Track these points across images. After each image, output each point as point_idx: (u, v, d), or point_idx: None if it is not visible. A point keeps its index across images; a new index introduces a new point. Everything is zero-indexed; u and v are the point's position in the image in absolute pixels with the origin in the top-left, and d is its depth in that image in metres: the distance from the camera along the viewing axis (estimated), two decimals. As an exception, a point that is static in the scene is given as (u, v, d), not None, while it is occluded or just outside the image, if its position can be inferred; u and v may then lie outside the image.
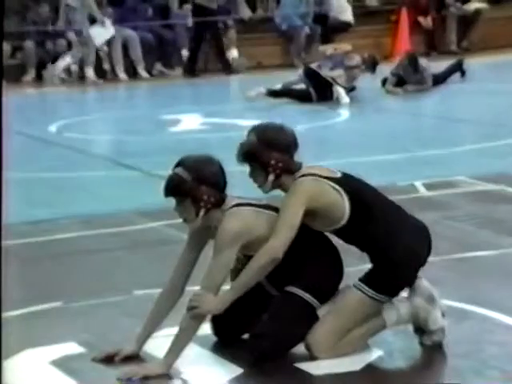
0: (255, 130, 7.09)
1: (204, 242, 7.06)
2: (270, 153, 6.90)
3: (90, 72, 22.21)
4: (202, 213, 6.90)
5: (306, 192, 6.87)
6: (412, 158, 13.06)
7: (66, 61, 22.11)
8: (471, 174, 11.73)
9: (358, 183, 7.17)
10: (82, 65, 22.28)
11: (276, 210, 6.97)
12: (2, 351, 5.09)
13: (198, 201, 6.90)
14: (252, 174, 7.05)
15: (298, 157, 6.96)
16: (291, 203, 6.87)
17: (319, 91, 18.06)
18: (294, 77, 18.79)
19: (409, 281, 6.98)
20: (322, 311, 6.87)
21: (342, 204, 6.85)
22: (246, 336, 7.06)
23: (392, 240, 6.89)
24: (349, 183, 7.03)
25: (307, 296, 6.82)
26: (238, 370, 6.70)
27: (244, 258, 6.96)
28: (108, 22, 22.18)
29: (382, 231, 6.89)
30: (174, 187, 6.97)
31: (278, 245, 6.74)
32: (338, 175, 7.05)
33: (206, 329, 7.03)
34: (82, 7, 22.19)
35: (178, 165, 7.02)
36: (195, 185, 6.90)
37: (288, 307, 6.79)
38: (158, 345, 6.78)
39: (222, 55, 23.19)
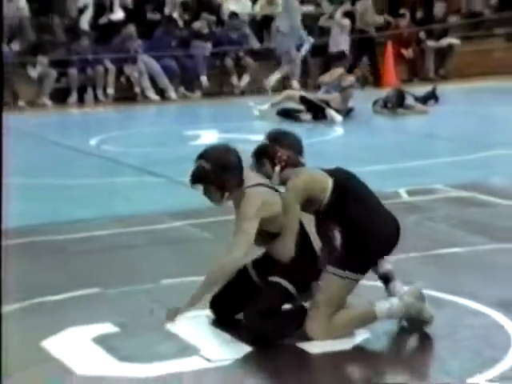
0: (269, 134, 7.16)
1: None
2: (278, 149, 6.94)
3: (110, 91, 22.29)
4: (226, 195, 7.03)
5: (300, 186, 6.87)
6: (396, 169, 13.06)
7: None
8: (446, 182, 11.75)
9: (346, 175, 7.21)
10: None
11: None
12: (2, 350, 4.95)
13: (221, 186, 7.02)
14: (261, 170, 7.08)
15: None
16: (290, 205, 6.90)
17: (314, 114, 18.11)
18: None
19: (378, 258, 6.96)
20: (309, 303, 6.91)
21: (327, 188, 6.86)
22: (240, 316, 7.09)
23: (367, 222, 6.85)
24: (337, 174, 7.09)
25: (288, 285, 6.81)
26: (246, 348, 6.71)
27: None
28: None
29: (360, 214, 6.86)
30: (198, 177, 7.13)
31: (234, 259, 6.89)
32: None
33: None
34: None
35: (200, 157, 7.11)
36: (217, 172, 7.00)
37: (273, 293, 6.80)
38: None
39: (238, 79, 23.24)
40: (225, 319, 7.23)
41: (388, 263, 7.03)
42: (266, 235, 6.96)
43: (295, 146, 7.09)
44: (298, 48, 23.47)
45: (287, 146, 7.00)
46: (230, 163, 7.12)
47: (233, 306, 7.17)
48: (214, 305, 7.23)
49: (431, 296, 7.61)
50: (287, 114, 18.41)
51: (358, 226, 6.84)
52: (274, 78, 20.93)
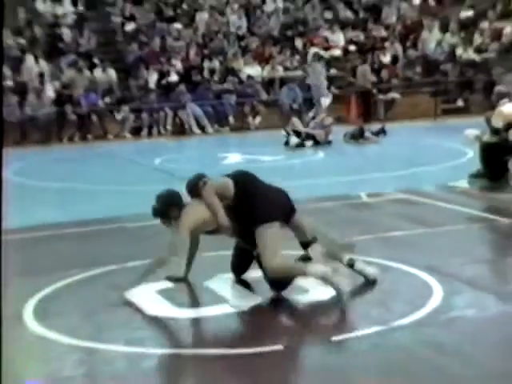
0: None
1: None
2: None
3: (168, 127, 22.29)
4: (173, 222, 7.07)
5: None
6: (359, 179, 13.06)
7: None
8: (392, 188, 11.74)
9: (241, 172, 7.21)
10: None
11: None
12: (2, 351, 4.61)
13: (167, 217, 7.14)
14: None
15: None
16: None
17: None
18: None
19: (280, 212, 6.87)
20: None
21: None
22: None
23: (264, 193, 6.93)
24: (235, 174, 7.11)
25: None
26: (258, 299, 6.72)
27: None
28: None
29: (257, 190, 6.93)
30: (154, 214, 7.29)
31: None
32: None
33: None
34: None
35: (155, 200, 7.26)
36: (163, 210, 7.18)
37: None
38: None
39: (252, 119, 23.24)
40: (240, 279, 7.24)
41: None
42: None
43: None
44: (294, 100, 23.45)
45: None
46: (172, 203, 7.16)
47: (242, 269, 7.23)
48: (233, 270, 7.26)
49: (379, 263, 7.66)
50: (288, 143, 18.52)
51: (259, 196, 6.84)
52: (310, 115, 20.73)
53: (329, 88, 23.15)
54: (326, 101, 22.47)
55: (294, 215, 7.01)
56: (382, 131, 19.53)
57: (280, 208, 6.89)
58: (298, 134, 18.66)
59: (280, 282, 6.77)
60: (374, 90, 24.29)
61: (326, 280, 6.59)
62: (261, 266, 6.84)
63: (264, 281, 6.90)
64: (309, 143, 18.37)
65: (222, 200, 6.92)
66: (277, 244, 6.71)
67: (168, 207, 7.17)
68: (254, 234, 6.73)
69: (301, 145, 18.32)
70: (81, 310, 6.85)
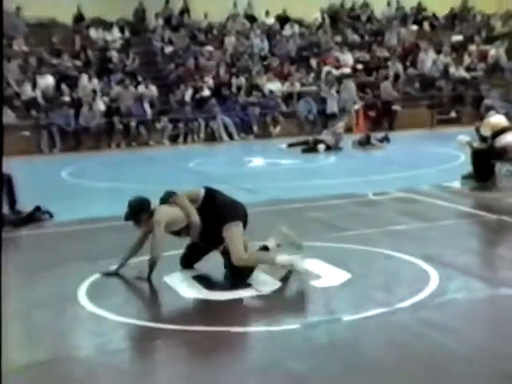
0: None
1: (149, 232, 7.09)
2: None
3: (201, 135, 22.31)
4: (142, 224, 7.11)
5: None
6: (367, 180, 12.97)
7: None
8: (395, 188, 11.68)
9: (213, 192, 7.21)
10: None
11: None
12: (2, 351, 4.51)
13: (138, 220, 7.11)
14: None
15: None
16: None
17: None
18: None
19: (240, 214, 6.97)
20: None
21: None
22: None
23: (226, 201, 7.10)
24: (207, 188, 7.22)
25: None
26: (277, 284, 6.68)
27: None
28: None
29: (221, 199, 7.10)
30: (125, 218, 7.19)
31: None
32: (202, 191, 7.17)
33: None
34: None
35: (127, 206, 7.18)
36: (133, 214, 7.12)
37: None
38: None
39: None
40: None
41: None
42: (184, 229, 7.04)
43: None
44: (310, 111, 23.41)
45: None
46: (141, 209, 7.12)
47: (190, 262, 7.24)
48: (181, 262, 7.27)
49: (382, 253, 7.62)
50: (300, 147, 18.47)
51: (225, 201, 7.08)
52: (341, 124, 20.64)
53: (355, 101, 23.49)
54: (353, 109, 23.01)
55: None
56: (386, 138, 19.41)
57: (242, 213, 7.04)
58: (306, 142, 18.65)
59: (241, 271, 6.79)
60: (379, 103, 24.20)
61: (293, 267, 6.70)
62: (226, 259, 6.90)
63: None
64: (321, 147, 18.25)
65: (192, 204, 7.04)
66: (242, 239, 6.84)
67: (138, 212, 7.15)
68: (218, 233, 6.85)
69: (312, 149, 18.21)
70: (127, 292, 6.85)
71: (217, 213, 6.93)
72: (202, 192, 7.14)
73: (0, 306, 5.23)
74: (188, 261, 7.28)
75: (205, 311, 6.19)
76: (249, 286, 6.59)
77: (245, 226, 7.00)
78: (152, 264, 6.96)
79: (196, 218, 6.96)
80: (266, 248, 7.16)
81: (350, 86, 23.84)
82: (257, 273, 6.89)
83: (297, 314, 5.99)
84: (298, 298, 6.45)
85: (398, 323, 5.66)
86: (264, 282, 6.71)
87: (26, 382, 4.88)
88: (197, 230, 7.01)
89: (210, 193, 7.14)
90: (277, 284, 6.65)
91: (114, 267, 7.17)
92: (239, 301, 6.28)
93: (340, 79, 24.67)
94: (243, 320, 5.86)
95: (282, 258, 6.78)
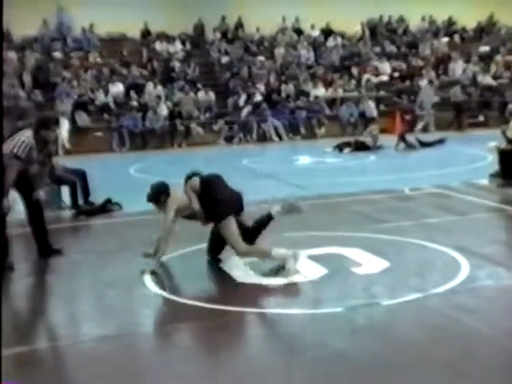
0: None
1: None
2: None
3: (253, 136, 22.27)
4: (160, 205, 7.17)
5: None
6: (403, 177, 12.82)
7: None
8: (428, 184, 11.52)
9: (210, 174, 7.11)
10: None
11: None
12: (1, 350, 4.36)
13: (157, 202, 7.15)
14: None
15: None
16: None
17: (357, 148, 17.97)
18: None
19: (232, 209, 6.81)
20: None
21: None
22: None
23: (218, 193, 6.88)
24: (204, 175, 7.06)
25: None
26: (323, 271, 6.62)
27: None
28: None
29: (213, 190, 6.89)
30: (147, 200, 7.25)
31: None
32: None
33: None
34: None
35: (150, 188, 7.25)
36: (153, 196, 7.20)
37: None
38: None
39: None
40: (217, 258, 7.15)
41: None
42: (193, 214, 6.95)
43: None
44: (351, 114, 23.22)
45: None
46: (160, 191, 7.18)
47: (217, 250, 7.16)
48: (208, 250, 7.19)
49: (418, 243, 7.50)
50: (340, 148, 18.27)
51: (217, 195, 6.84)
52: (419, 126, 20.32)
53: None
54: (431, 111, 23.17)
55: (242, 214, 6.98)
56: (441, 141, 18.83)
57: (233, 205, 6.87)
58: (347, 144, 18.45)
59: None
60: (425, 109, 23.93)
61: (287, 261, 6.57)
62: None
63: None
64: (346, 150, 18.00)
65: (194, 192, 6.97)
66: (236, 231, 6.71)
67: (157, 194, 7.21)
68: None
69: (340, 149, 18.05)
70: (186, 276, 6.84)
71: (209, 208, 6.82)
72: (198, 182, 6.95)
73: (0, 300, 5.24)
74: (213, 251, 7.18)
75: (257, 295, 6.15)
76: (297, 272, 6.53)
77: (240, 211, 6.93)
78: (157, 245, 6.98)
79: (196, 205, 6.86)
80: (269, 216, 7.12)
81: (428, 90, 23.77)
82: (305, 260, 6.85)
83: (340, 298, 5.91)
84: (341, 284, 6.39)
85: (431, 307, 5.57)
86: (311, 269, 6.66)
87: (98, 354, 4.91)
88: (200, 216, 6.93)
89: (205, 183, 6.95)
90: (322, 271, 6.59)
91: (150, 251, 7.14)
92: (288, 285, 6.23)
93: (378, 86, 24.50)
94: (291, 303, 5.81)
95: (278, 252, 6.66)
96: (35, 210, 7.58)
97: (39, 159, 7.40)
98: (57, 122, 7.86)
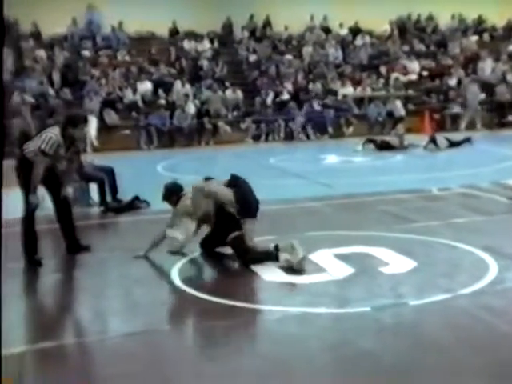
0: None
1: None
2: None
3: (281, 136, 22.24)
4: (172, 204, 7.41)
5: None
6: (431, 177, 12.71)
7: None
8: (457, 184, 11.43)
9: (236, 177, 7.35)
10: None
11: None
12: (1, 349, 4.40)
13: (174, 202, 7.37)
14: None
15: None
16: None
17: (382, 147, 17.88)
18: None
19: (253, 213, 7.03)
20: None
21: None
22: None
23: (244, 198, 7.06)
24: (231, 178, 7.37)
25: None
26: (350, 270, 6.58)
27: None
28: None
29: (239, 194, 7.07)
30: (164, 199, 7.60)
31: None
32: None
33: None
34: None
35: (163, 188, 7.58)
36: (166, 196, 7.53)
37: None
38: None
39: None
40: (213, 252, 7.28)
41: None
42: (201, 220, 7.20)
43: None
44: (379, 113, 23.10)
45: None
46: (172, 191, 7.49)
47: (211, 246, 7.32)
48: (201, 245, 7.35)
49: (446, 243, 7.44)
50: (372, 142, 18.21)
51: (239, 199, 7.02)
52: (463, 123, 20.27)
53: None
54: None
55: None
56: (468, 140, 18.62)
57: (254, 209, 7.10)
58: (373, 141, 18.37)
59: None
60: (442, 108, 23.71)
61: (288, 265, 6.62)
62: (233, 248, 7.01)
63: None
64: (369, 146, 17.98)
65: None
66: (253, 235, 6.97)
67: (169, 194, 7.50)
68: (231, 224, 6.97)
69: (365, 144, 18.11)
70: (213, 274, 6.86)
71: (245, 201, 7.05)
72: (226, 180, 7.30)
73: (0, 298, 5.26)
74: (208, 244, 7.31)
75: (283, 293, 6.15)
76: (324, 271, 6.51)
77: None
78: (153, 242, 7.27)
79: (227, 196, 7.10)
80: (274, 257, 6.89)
81: (475, 88, 23.70)
82: (332, 259, 6.83)
83: (367, 297, 5.88)
84: (368, 283, 6.35)
85: (459, 308, 5.52)
86: (338, 268, 6.63)
87: (124, 350, 4.93)
88: (209, 220, 7.20)
89: (234, 182, 7.27)
90: (349, 270, 6.56)
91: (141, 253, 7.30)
92: (315, 284, 6.21)
93: (407, 85, 24.36)
94: (318, 302, 5.78)
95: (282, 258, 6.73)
96: (63, 207, 7.64)
97: (67, 156, 7.45)
98: (85, 120, 7.90)
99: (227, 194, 7.09)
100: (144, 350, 4.94)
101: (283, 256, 6.70)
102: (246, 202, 7.03)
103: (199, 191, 7.23)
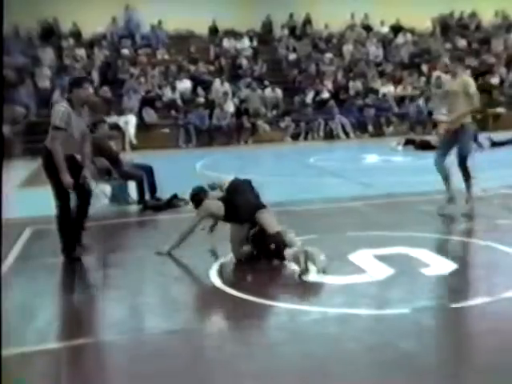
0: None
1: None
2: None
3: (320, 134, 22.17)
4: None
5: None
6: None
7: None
8: (500, 185, 11.27)
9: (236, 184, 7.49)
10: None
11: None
12: (1, 349, 4.37)
13: (197, 205, 7.44)
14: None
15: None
16: None
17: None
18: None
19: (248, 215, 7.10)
20: None
21: None
22: None
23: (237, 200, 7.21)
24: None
25: None
26: (389, 271, 6.55)
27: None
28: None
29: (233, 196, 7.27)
30: (190, 199, 7.70)
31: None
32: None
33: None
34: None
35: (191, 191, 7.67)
36: (193, 199, 7.61)
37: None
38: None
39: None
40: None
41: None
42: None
43: None
44: (420, 112, 22.89)
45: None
46: (194, 195, 7.59)
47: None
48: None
49: (487, 245, 7.35)
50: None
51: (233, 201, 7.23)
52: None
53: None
54: None
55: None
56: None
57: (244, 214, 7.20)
58: (411, 141, 18.20)
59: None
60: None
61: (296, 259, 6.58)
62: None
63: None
64: (408, 147, 17.87)
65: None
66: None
67: (194, 196, 7.58)
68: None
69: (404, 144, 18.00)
70: (252, 273, 6.86)
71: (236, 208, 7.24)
72: (227, 182, 7.49)
73: (0, 300, 5.29)
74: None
75: (321, 293, 6.13)
76: (363, 272, 6.48)
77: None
78: (176, 242, 7.32)
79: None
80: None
81: None
82: (372, 260, 6.80)
83: (407, 299, 5.84)
84: (408, 285, 6.31)
85: (500, 312, 5.44)
86: (377, 269, 6.60)
87: (163, 348, 4.96)
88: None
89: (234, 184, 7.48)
90: (389, 271, 6.52)
91: (166, 247, 7.35)
92: (354, 285, 6.18)
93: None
94: (357, 303, 5.76)
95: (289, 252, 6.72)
96: (82, 198, 7.43)
97: (90, 124, 7.50)
98: (87, 80, 8.02)
99: (220, 208, 7.28)
100: (183, 349, 4.97)
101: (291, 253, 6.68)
102: (234, 208, 7.20)
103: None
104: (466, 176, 9.37)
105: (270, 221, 7.09)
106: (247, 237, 7.14)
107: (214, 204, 7.38)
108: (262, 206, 7.24)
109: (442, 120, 9.66)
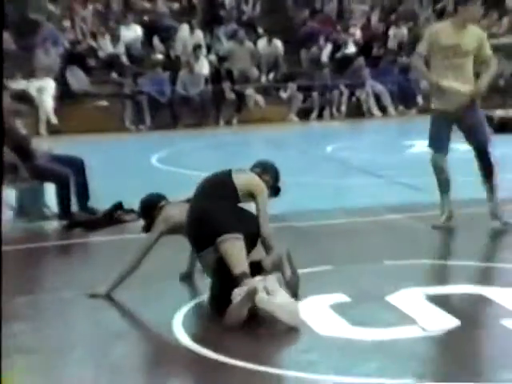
0: None
1: None
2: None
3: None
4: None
5: None
6: None
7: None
8: None
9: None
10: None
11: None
12: (1, 349, 4.71)
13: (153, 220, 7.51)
14: None
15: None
16: None
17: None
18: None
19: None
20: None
21: None
22: None
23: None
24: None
25: None
26: (456, 322, 6.58)
27: None
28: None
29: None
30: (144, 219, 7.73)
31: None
32: None
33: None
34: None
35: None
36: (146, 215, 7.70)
37: None
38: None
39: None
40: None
41: None
42: None
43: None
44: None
45: None
46: (146, 206, 7.72)
47: None
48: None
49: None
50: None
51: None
52: None
53: None
54: None
55: None
56: None
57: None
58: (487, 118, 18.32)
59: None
60: None
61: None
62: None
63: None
64: None
65: None
66: None
67: (146, 210, 7.72)
68: None
69: None
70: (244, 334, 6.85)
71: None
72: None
73: (0, 308, 5.41)
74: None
75: (350, 356, 6.10)
76: (411, 322, 6.47)
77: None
78: (119, 277, 7.28)
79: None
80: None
81: None
82: (424, 304, 6.80)
83: (482, 366, 5.83)
84: (484, 344, 6.29)
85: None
86: (433, 318, 6.58)
87: None
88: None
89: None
90: (452, 322, 6.49)
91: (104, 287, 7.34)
92: (397, 342, 6.16)
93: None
94: (402, 371, 5.73)
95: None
96: None
97: None
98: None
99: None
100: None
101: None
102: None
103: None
104: (489, 174, 9.69)
105: (237, 253, 7.00)
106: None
107: (177, 208, 7.34)
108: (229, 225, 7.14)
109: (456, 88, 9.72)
